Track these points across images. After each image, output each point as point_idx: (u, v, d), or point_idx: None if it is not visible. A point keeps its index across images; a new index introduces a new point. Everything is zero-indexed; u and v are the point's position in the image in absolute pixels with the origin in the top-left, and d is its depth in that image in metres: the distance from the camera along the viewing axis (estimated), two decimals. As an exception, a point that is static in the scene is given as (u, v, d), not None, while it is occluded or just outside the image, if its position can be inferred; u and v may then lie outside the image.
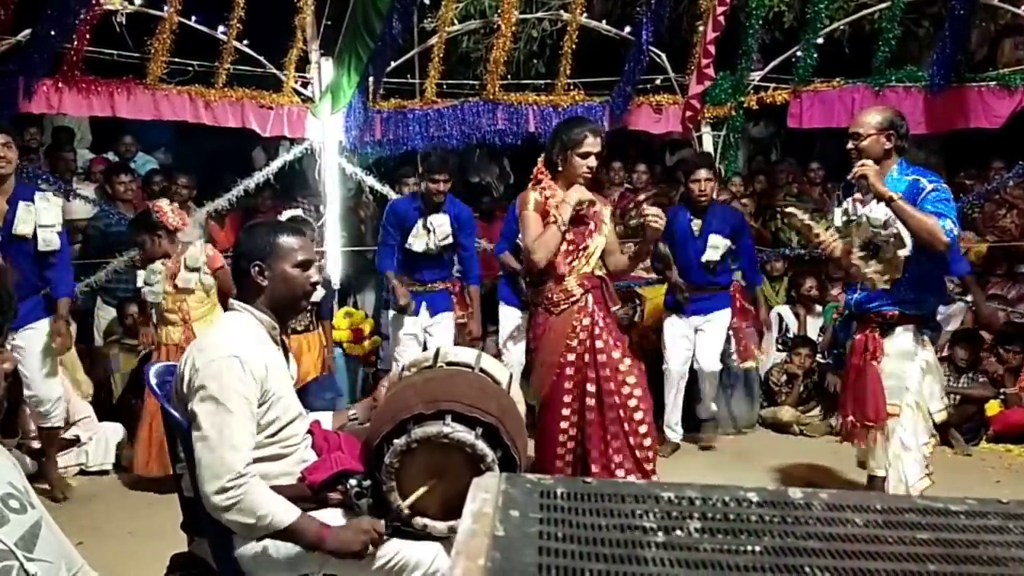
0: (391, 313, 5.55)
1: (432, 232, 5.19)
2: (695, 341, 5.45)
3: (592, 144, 3.70)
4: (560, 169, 3.75)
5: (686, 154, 7.87)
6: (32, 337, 4.40)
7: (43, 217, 4.32)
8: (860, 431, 3.86)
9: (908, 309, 3.69)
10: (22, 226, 4.27)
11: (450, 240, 5.24)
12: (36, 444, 4.84)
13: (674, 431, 5.51)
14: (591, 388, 3.73)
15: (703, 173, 5.28)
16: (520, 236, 3.91)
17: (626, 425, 3.72)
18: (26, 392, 4.48)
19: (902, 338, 3.71)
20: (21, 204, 4.27)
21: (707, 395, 5.59)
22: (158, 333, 4.76)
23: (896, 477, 3.72)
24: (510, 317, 5.60)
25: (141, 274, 4.74)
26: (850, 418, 3.89)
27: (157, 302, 4.69)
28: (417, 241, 5.22)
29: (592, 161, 3.71)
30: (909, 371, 3.69)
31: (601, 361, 3.72)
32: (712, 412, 5.69)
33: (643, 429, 3.74)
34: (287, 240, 2.42)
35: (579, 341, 3.73)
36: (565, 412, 3.74)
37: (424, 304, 5.31)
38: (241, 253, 2.43)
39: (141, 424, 4.77)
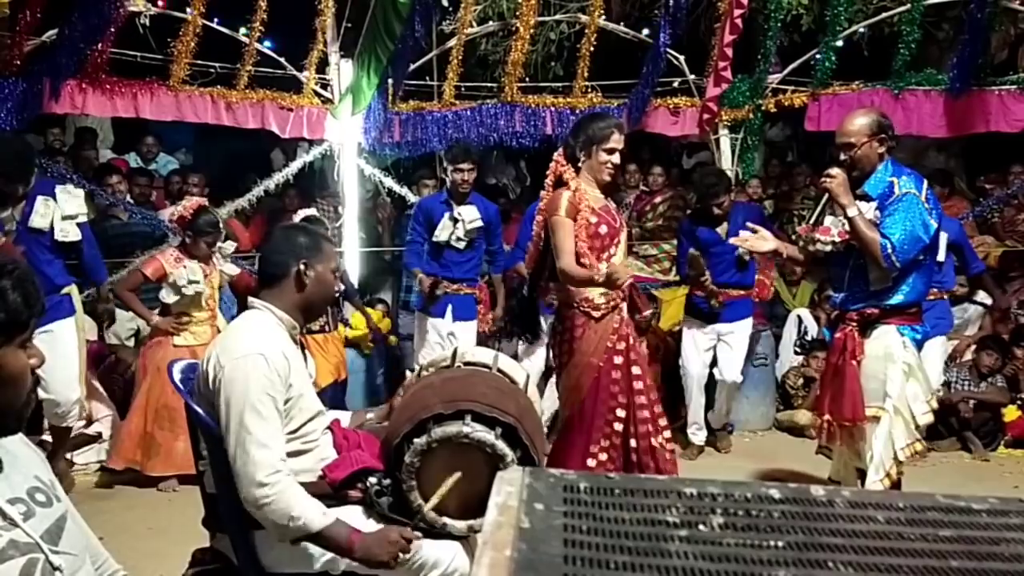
0: (416, 315, 5.51)
1: (460, 222, 5.08)
2: (717, 351, 5.42)
3: (618, 141, 3.61)
4: (581, 164, 3.61)
5: (704, 157, 7.86)
6: (50, 339, 4.13)
7: (66, 208, 4.35)
8: (837, 431, 3.75)
9: (887, 307, 3.58)
10: (39, 219, 4.29)
11: (478, 224, 5.13)
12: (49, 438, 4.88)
13: (696, 434, 5.50)
14: (629, 397, 3.63)
15: (724, 198, 5.23)
16: (553, 243, 3.59)
17: (651, 427, 3.65)
18: (42, 394, 4.23)
19: (882, 338, 3.59)
20: (39, 199, 4.30)
21: (723, 406, 5.55)
22: (180, 334, 4.82)
23: (872, 482, 3.58)
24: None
25: (180, 272, 4.74)
26: (827, 417, 3.78)
27: (198, 295, 4.77)
28: (443, 232, 5.12)
29: (616, 158, 3.61)
30: (891, 373, 3.56)
31: (635, 370, 3.63)
32: (725, 420, 5.67)
33: (667, 434, 3.70)
34: (329, 246, 2.54)
35: (617, 351, 3.59)
36: (610, 417, 3.58)
37: (450, 307, 5.20)
38: (282, 250, 2.43)
39: (129, 416, 4.83)
